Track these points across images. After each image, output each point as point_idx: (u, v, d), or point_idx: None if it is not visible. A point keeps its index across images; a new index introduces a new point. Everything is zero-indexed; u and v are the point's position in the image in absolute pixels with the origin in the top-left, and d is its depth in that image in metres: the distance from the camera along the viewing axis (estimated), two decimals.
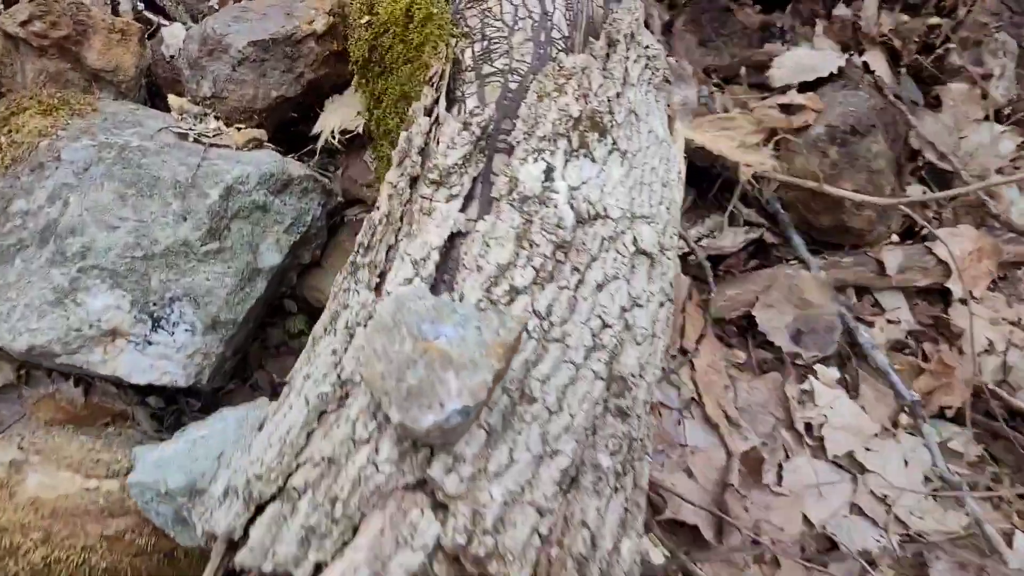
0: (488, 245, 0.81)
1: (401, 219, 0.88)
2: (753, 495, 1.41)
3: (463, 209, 0.86)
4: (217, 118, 1.48)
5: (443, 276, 0.81)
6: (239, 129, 1.46)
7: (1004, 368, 1.61)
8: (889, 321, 1.71)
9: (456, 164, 0.87)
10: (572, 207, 0.87)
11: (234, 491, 0.68)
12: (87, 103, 1.36)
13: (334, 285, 0.87)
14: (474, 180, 0.89)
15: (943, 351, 1.64)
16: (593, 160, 0.94)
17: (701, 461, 1.44)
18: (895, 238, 1.73)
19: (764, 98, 1.76)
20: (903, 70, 1.89)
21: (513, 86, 0.99)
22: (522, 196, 0.85)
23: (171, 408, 1.31)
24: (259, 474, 0.68)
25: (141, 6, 1.62)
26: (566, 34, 1.08)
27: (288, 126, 1.59)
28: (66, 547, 0.94)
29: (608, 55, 1.09)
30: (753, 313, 1.64)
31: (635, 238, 0.90)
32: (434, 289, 0.80)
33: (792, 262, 1.69)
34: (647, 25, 2.12)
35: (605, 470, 0.72)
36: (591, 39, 1.11)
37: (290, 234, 1.32)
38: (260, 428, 0.95)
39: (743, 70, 1.85)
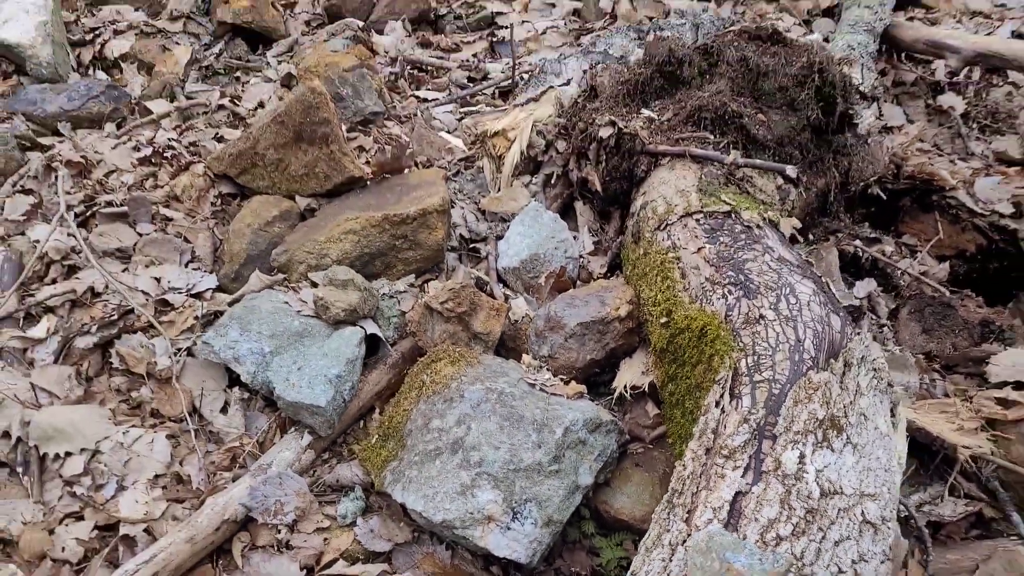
0: (761, 504, 1.29)
1: (700, 476, 1.40)
2: None
3: (743, 476, 1.36)
4: (548, 371, 2.15)
5: (730, 520, 1.30)
6: (564, 381, 2.11)
7: None
8: None
9: (740, 446, 1.39)
10: (818, 484, 1.33)
11: None
12: (474, 357, 2.09)
13: (655, 513, 1.39)
14: (750, 457, 1.39)
15: None
16: (832, 450, 1.41)
17: None
18: None
19: (982, 388, 2.09)
20: None
21: (776, 391, 1.51)
22: (784, 473, 1.34)
23: None
24: None
25: (502, 287, 2.43)
26: (813, 355, 1.59)
27: (592, 378, 2.22)
28: None
29: (844, 373, 1.58)
30: None
31: (863, 511, 1.33)
32: (725, 528, 1.28)
33: (1013, 537, 1.91)
34: (874, 311, 2.57)
35: None
36: (832, 360, 1.61)
37: (597, 462, 1.89)
38: None
39: (962, 362, 2.20)
